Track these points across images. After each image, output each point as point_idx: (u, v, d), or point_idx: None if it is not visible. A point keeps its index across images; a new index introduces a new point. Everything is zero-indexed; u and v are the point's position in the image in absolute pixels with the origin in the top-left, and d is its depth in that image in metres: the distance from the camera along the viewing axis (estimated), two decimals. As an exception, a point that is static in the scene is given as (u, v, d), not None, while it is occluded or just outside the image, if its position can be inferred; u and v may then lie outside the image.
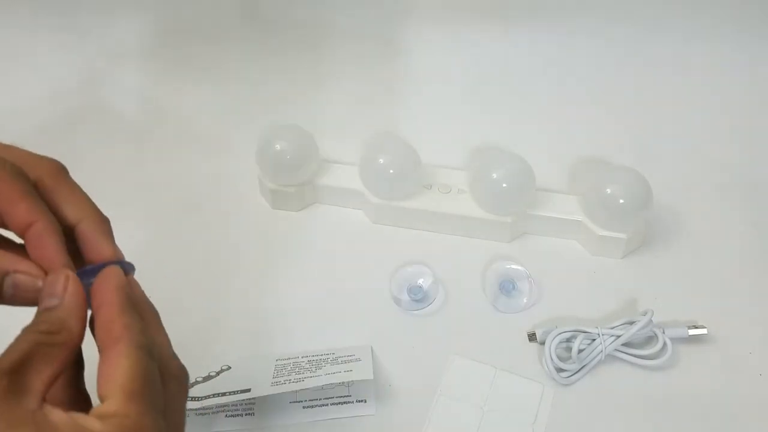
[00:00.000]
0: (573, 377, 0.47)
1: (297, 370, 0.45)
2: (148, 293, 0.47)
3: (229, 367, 0.47)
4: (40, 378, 0.25)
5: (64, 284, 0.27)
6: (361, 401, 0.46)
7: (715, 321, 0.49)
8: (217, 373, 0.46)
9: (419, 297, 0.51)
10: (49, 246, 0.28)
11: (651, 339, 0.48)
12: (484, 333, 0.50)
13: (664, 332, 0.48)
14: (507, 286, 0.51)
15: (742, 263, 0.55)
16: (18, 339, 0.25)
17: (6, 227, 0.28)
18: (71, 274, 0.27)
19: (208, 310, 0.51)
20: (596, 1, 0.71)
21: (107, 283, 0.28)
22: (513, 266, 0.53)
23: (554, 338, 0.47)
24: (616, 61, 0.72)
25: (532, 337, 0.49)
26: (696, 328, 0.49)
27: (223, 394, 0.43)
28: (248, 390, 0.43)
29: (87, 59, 0.74)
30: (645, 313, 0.47)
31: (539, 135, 0.66)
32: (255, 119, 0.67)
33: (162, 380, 0.27)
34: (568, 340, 0.47)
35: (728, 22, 0.71)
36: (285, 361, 0.47)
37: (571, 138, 0.66)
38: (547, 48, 0.73)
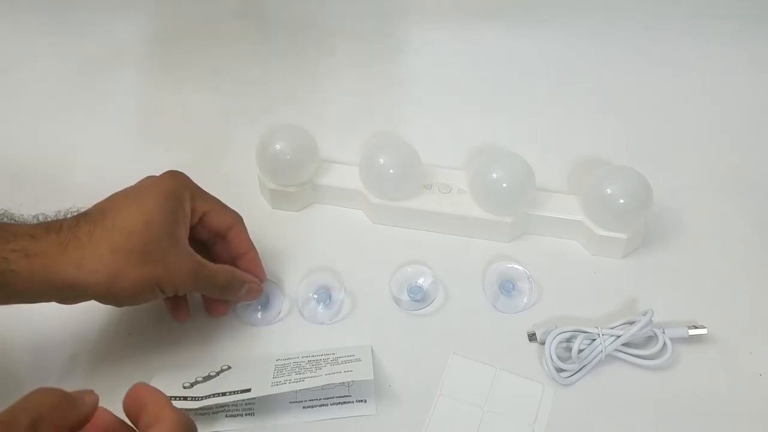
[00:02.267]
0: (573, 377, 0.47)
1: (297, 370, 0.45)
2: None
3: (229, 367, 0.47)
4: None
5: (90, 393, 0.30)
6: (361, 401, 0.46)
7: (715, 321, 0.49)
8: (217, 373, 0.46)
9: (419, 297, 0.51)
10: (257, 267, 0.50)
11: (651, 339, 0.48)
12: (484, 333, 0.50)
13: (664, 332, 0.48)
14: (507, 286, 0.51)
15: (742, 263, 0.55)
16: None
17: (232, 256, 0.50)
18: (98, 398, 0.30)
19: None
20: (596, 1, 0.72)
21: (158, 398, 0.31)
22: (513, 266, 0.53)
23: (554, 338, 0.47)
24: (616, 61, 0.72)
25: (532, 337, 0.49)
26: (696, 328, 0.49)
27: (223, 394, 0.43)
28: (248, 390, 0.43)
29: (87, 59, 0.74)
30: (645, 313, 0.47)
31: (539, 135, 0.66)
32: (255, 119, 0.67)
33: None
34: (568, 340, 0.47)
35: (728, 22, 0.71)
36: (285, 361, 0.47)
37: (571, 138, 0.66)
38: (547, 48, 0.73)
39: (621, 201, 0.52)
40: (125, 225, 0.41)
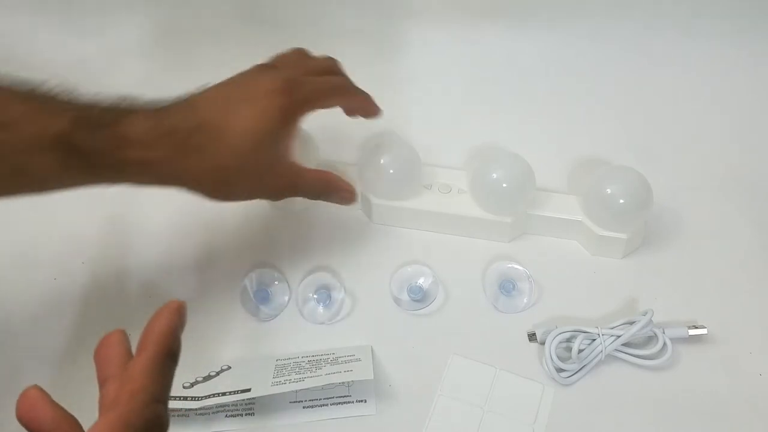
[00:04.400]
0: (573, 377, 0.47)
1: (297, 370, 0.45)
2: (149, 293, 0.48)
3: (229, 367, 0.47)
4: None
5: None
6: (361, 401, 0.46)
7: (715, 321, 0.49)
8: (217, 373, 0.46)
9: (419, 297, 0.51)
10: None
11: (651, 339, 0.48)
12: (484, 333, 0.50)
13: (664, 332, 0.48)
14: (507, 286, 0.51)
15: (742, 263, 0.55)
16: None
17: None
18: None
19: (209, 310, 0.51)
20: (596, 0, 0.72)
21: (153, 327, 0.29)
22: (513, 266, 0.53)
23: (554, 338, 0.47)
24: (616, 61, 0.72)
25: (532, 337, 0.49)
26: (696, 328, 0.49)
27: (223, 394, 0.43)
28: (248, 390, 0.43)
29: (86, 59, 0.74)
30: (645, 313, 0.47)
31: (539, 134, 0.66)
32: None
33: None
34: (568, 340, 0.47)
35: (728, 22, 0.71)
36: (285, 361, 0.47)
37: (571, 138, 0.66)
38: (548, 48, 0.73)
39: (621, 201, 0.52)
40: (236, 145, 0.42)
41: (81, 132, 0.38)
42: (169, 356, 0.28)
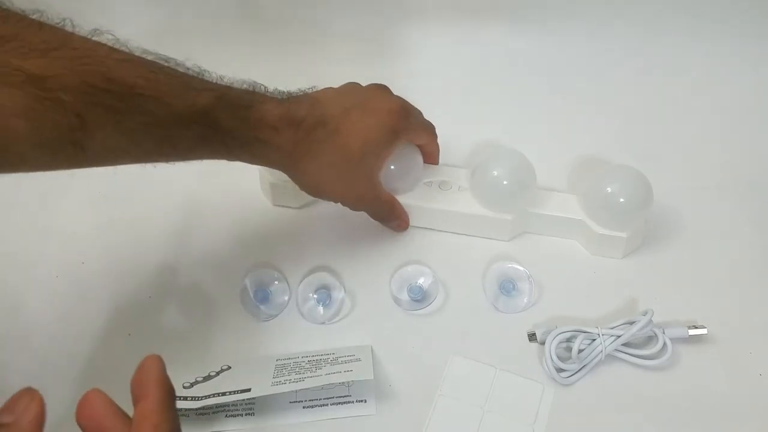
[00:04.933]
0: (573, 377, 0.47)
1: (297, 370, 0.45)
2: (148, 293, 0.48)
3: (229, 367, 0.47)
4: None
5: (26, 403, 0.27)
6: (361, 401, 0.46)
7: (715, 321, 0.49)
8: (217, 373, 0.46)
9: (419, 297, 0.51)
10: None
11: (651, 339, 0.48)
12: (484, 333, 0.50)
13: (664, 332, 0.48)
14: (507, 286, 0.51)
15: (742, 263, 0.55)
16: None
17: None
18: (38, 394, 0.27)
19: (209, 310, 0.51)
20: (596, 1, 0.72)
21: (149, 375, 0.29)
22: (513, 266, 0.53)
23: (554, 338, 0.47)
24: (616, 61, 0.72)
25: (532, 337, 0.49)
26: (696, 328, 0.49)
27: (223, 394, 0.43)
28: (248, 390, 0.43)
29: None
30: (645, 313, 0.47)
31: (539, 134, 0.66)
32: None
33: None
34: (568, 340, 0.47)
35: (728, 22, 0.71)
36: (285, 361, 0.47)
37: (571, 137, 0.66)
38: (548, 47, 0.73)
39: (621, 200, 0.52)
40: (349, 147, 0.47)
41: (223, 110, 0.41)
42: (172, 396, 0.29)
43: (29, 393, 0.27)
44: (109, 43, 0.39)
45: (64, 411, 0.46)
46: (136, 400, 0.28)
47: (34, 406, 0.27)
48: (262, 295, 0.51)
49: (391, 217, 0.55)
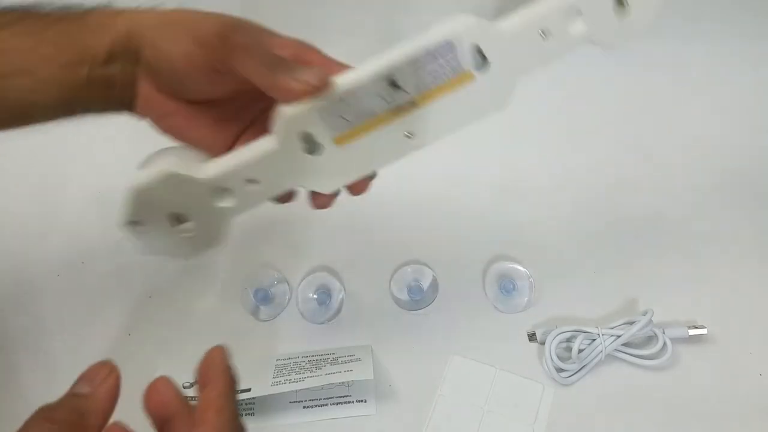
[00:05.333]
0: (573, 377, 0.47)
1: (297, 370, 0.45)
2: (147, 293, 0.48)
3: (229, 367, 0.47)
4: None
5: (103, 375, 0.27)
6: (361, 401, 0.46)
7: (715, 321, 0.49)
8: (217, 373, 0.46)
9: (419, 297, 0.51)
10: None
11: (651, 339, 0.48)
12: (484, 333, 0.50)
13: (664, 332, 0.48)
14: (507, 286, 0.51)
15: (742, 263, 0.55)
16: (33, 424, 0.25)
17: None
18: (116, 368, 0.27)
19: (209, 310, 0.51)
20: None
21: (215, 363, 0.30)
22: (513, 266, 0.53)
23: (554, 338, 0.47)
24: (617, 61, 0.72)
25: (532, 337, 0.49)
26: (696, 328, 0.49)
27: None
28: (248, 390, 0.43)
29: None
30: (645, 313, 0.47)
31: (539, 133, 0.66)
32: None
33: None
34: (568, 340, 0.47)
35: (728, 23, 0.71)
36: (285, 361, 0.47)
37: (570, 137, 0.66)
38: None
39: None
40: None
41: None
42: (235, 386, 0.30)
43: (107, 366, 0.27)
44: None
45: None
46: (201, 387, 0.29)
47: (111, 379, 0.27)
48: (262, 295, 0.51)
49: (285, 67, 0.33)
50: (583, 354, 0.47)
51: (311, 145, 0.34)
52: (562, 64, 0.76)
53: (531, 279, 0.52)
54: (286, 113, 0.33)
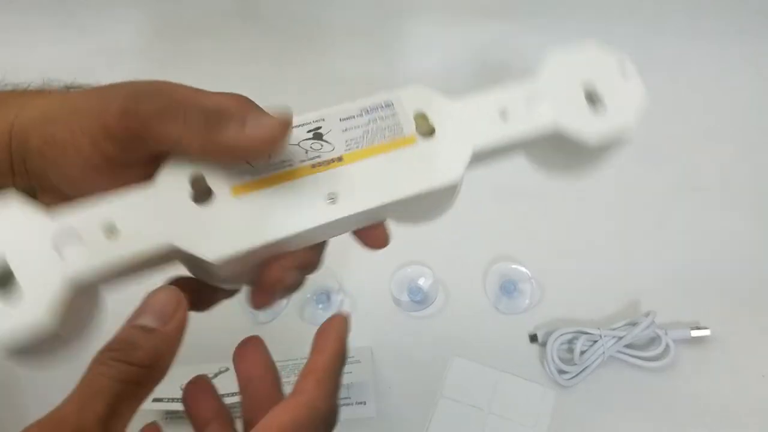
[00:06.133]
0: (575, 379, 0.46)
1: (296, 371, 0.45)
2: (148, 292, 0.46)
3: (227, 369, 0.46)
4: (122, 423, 0.23)
5: (174, 307, 0.25)
6: (361, 403, 0.45)
7: (718, 322, 0.49)
8: (215, 375, 0.46)
9: (419, 298, 0.51)
10: None
11: (653, 340, 0.48)
12: (485, 334, 0.49)
13: (666, 333, 0.47)
14: (508, 287, 0.51)
15: (744, 264, 0.54)
16: (98, 366, 0.23)
17: None
18: (184, 299, 0.25)
19: (207, 311, 0.51)
20: (597, 1, 0.71)
21: (332, 331, 0.29)
22: (515, 267, 0.52)
23: (556, 339, 0.47)
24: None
25: (533, 338, 0.49)
26: (699, 329, 0.48)
27: (222, 396, 0.43)
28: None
29: (85, 56, 0.73)
30: (647, 314, 0.47)
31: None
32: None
33: None
34: (570, 341, 0.47)
35: (728, 23, 0.71)
36: (284, 363, 0.46)
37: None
38: (548, 46, 0.72)
39: None
40: None
41: None
42: (342, 360, 0.28)
43: (174, 295, 0.25)
44: None
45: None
46: (311, 352, 0.28)
47: (181, 312, 0.25)
48: (261, 297, 0.51)
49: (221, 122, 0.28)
50: (584, 355, 0.46)
51: (200, 192, 0.27)
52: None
53: (532, 280, 0.51)
54: None
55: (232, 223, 0.27)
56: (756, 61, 0.71)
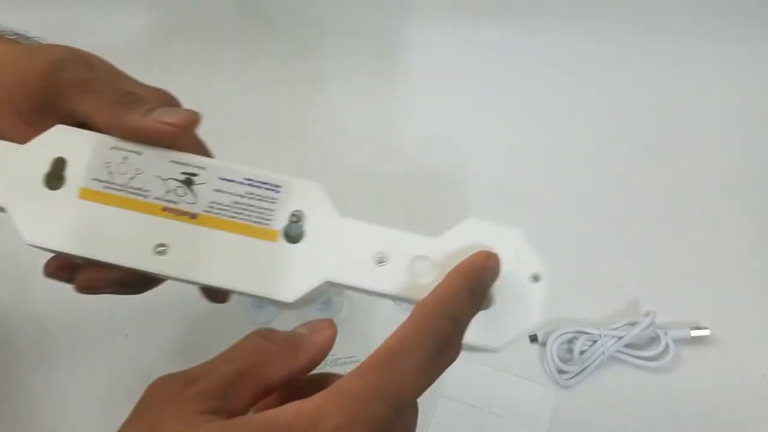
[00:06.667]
0: (574, 379, 0.46)
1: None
2: (147, 294, 0.47)
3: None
4: (247, 395, 0.23)
5: (323, 327, 0.26)
6: (361, 403, 0.45)
7: (718, 322, 0.49)
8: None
9: (419, 298, 0.50)
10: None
11: (653, 340, 0.48)
12: (485, 334, 0.49)
13: (666, 333, 0.47)
14: (508, 287, 0.51)
15: (744, 263, 0.54)
16: (251, 340, 0.24)
17: None
18: (334, 326, 0.26)
19: (206, 313, 0.51)
20: (597, 0, 0.71)
21: (475, 260, 0.27)
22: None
23: (555, 339, 0.47)
24: (617, 61, 0.72)
25: (533, 338, 0.49)
26: (698, 329, 0.48)
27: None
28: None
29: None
30: (647, 314, 0.47)
31: (538, 133, 0.65)
32: (253, 116, 0.66)
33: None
34: (570, 341, 0.47)
35: (728, 22, 0.71)
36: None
37: (570, 137, 0.65)
38: (548, 46, 0.72)
39: None
40: None
41: None
42: (469, 289, 0.26)
43: (329, 322, 0.26)
44: None
45: (62, 410, 0.46)
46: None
47: (329, 332, 0.26)
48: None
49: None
50: (584, 355, 0.46)
51: (55, 175, 0.28)
52: (562, 63, 0.76)
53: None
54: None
55: (58, 219, 0.27)
56: (756, 61, 0.71)
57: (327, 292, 0.30)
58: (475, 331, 0.27)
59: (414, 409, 0.26)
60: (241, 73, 0.73)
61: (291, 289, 0.28)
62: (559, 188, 0.59)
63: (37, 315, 0.51)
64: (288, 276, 0.28)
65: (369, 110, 0.69)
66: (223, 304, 0.51)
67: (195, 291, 0.52)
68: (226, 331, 0.50)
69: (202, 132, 0.69)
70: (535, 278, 0.29)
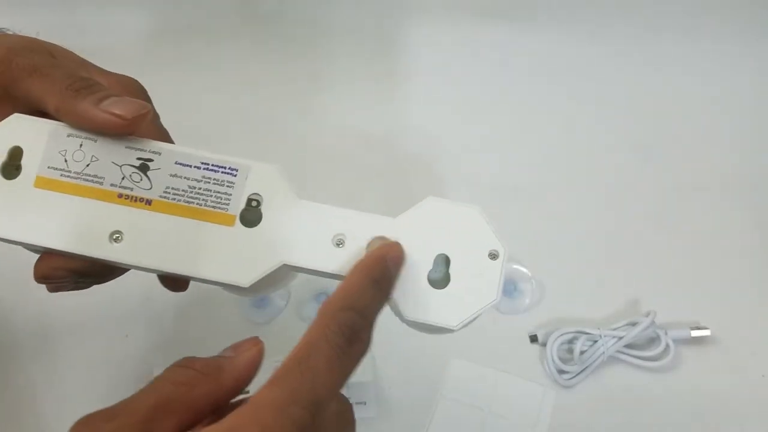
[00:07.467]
0: (575, 379, 0.46)
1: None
2: (146, 295, 0.47)
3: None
4: (170, 426, 0.23)
5: (248, 347, 0.26)
6: (361, 403, 0.45)
7: (718, 322, 0.49)
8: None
9: (419, 298, 0.50)
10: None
11: (653, 340, 0.48)
12: (485, 335, 0.49)
13: (666, 333, 0.47)
14: (508, 287, 0.51)
15: (744, 263, 0.54)
16: (173, 369, 0.24)
17: None
18: (261, 343, 0.27)
19: (206, 313, 0.51)
20: (597, 1, 0.71)
21: (377, 251, 0.27)
22: (515, 267, 0.52)
23: (556, 339, 0.47)
24: (616, 61, 0.72)
25: (533, 338, 0.49)
26: (699, 329, 0.48)
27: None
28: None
29: (86, 55, 0.73)
30: (647, 314, 0.47)
31: (539, 133, 0.65)
32: (253, 117, 0.66)
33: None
34: (570, 341, 0.47)
35: (729, 22, 0.71)
36: (284, 363, 0.46)
37: (570, 137, 0.65)
38: (548, 47, 0.72)
39: None
40: None
41: None
42: (372, 280, 0.27)
43: (253, 340, 0.27)
44: None
45: (62, 409, 0.46)
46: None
47: (255, 350, 0.26)
48: (261, 298, 0.50)
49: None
50: (584, 355, 0.46)
51: (11, 165, 0.28)
52: (562, 63, 0.76)
53: (532, 280, 0.51)
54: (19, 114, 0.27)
55: (13, 209, 0.27)
56: (756, 61, 0.71)
57: (288, 277, 0.30)
58: (431, 310, 0.27)
59: (342, 404, 0.26)
60: (241, 73, 0.72)
61: (247, 274, 0.27)
62: (559, 188, 0.59)
63: (37, 315, 0.51)
64: (244, 260, 0.27)
65: (369, 110, 0.69)
66: (223, 305, 0.51)
67: (194, 291, 0.53)
68: (226, 331, 0.50)
69: (202, 132, 0.69)
70: (493, 255, 0.28)
